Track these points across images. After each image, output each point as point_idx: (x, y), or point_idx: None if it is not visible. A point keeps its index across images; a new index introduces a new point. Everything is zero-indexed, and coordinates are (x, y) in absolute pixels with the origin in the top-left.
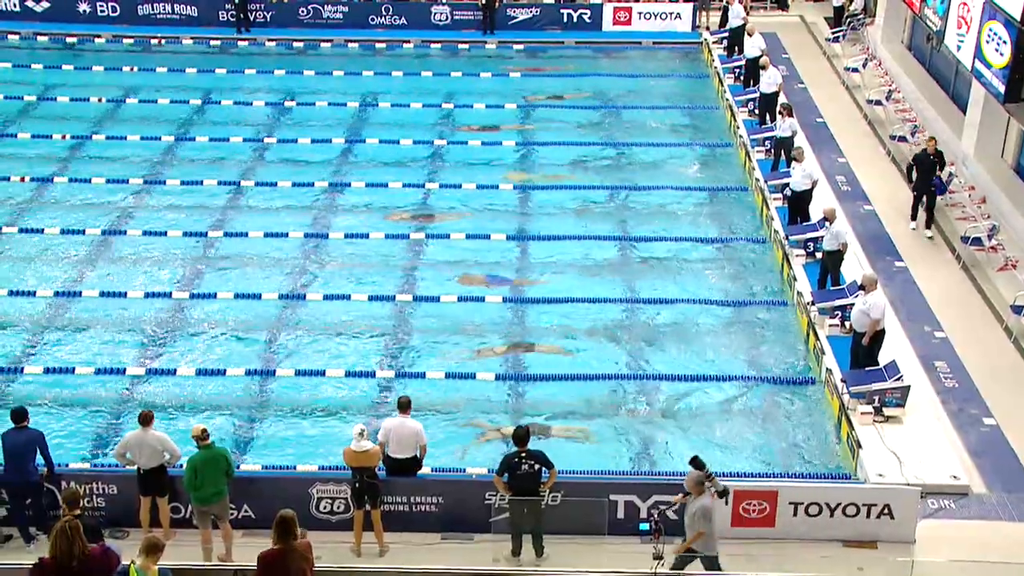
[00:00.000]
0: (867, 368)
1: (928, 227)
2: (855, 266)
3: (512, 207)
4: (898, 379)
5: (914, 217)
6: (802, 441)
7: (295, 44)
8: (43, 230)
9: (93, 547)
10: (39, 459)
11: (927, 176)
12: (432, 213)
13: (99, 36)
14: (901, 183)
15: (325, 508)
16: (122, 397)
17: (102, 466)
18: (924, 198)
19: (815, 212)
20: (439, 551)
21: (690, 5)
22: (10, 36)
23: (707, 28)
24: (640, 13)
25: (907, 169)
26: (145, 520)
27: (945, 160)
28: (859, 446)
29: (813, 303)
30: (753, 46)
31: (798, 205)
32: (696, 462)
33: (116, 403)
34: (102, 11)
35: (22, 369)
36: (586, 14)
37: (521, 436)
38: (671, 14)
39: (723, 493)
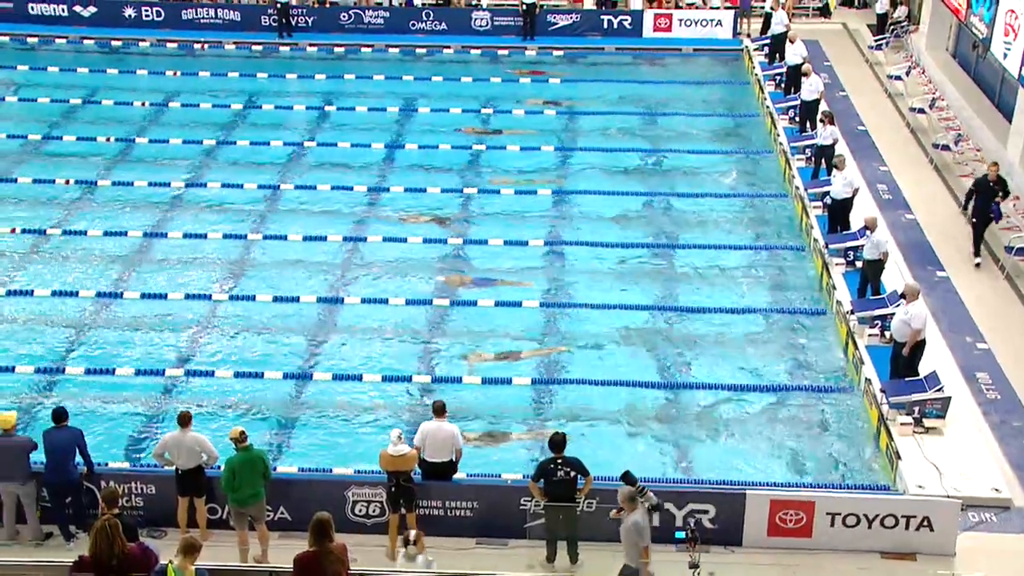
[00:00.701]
0: (907, 378)
1: (976, 254)
2: (896, 275)
3: (549, 213)
4: (939, 390)
5: (976, 253)
6: (840, 451)
7: (336, 49)
8: (86, 232)
9: (132, 546)
10: (79, 458)
11: (987, 203)
12: (469, 218)
13: (143, 40)
14: (944, 192)
15: (360, 511)
16: (161, 398)
17: (141, 466)
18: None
19: (856, 221)
20: (474, 556)
21: (731, 12)
22: (57, 40)
23: (748, 35)
24: (681, 20)
25: (966, 196)
26: (182, 520)
27: (1008, 188)
28: (898, 457)
29: (853, 312)
30: (795, 53)
31: (839, 213)
32: (627, 477)
33: (155, 404)
34: (147, 16)
35: (64, 369)
36: (626, 20)
37: (558, 442)
38: (712, 21)
39: (655, 507)
